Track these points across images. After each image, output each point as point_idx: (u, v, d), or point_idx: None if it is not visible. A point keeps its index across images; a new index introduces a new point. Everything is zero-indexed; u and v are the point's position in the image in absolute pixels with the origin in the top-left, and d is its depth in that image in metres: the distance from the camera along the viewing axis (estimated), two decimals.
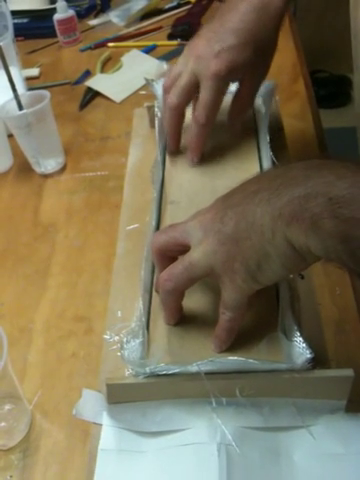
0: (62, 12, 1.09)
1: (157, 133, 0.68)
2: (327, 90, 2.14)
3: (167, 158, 0.68)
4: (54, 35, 1.11)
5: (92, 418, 0.49)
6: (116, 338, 0.54)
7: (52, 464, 0.47)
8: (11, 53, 0.83)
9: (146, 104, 0.78)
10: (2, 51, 0.70)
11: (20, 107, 0.73)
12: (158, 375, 0.46)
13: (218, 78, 0.58)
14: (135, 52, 1.05)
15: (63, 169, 0.79)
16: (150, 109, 0.76)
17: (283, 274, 0.42)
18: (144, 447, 0.46)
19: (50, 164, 0.77)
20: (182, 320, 0.50)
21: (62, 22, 1.09)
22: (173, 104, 0.62)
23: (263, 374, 0.45)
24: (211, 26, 0.60)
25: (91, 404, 0.50)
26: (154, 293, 0.53)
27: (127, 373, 0.50)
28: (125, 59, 1.03)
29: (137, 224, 0.65)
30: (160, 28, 1.13)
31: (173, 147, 0.67)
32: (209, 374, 0.45)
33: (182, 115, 0.64)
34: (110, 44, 1.09)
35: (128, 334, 0.50)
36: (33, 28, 1.16)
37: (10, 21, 0.85)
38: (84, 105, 0.92)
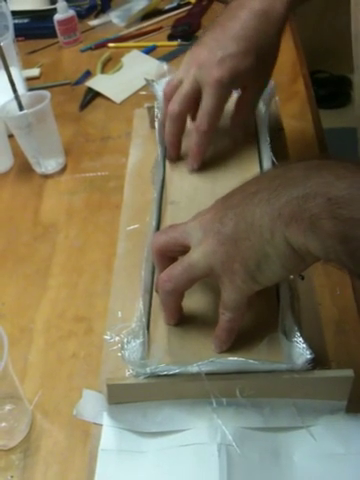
0: (62, 12, 1.09)
1: (157, 134, 0.68)
2: (327, 90, 2.14)
3: (167, 161, 0.68)
4: (54, 35, 1.11)
5: (92, 418, 0.49)
6: (116, 338, 0.54)
7: (53, 464, 0.47)
8: (11, 53, 0.83)
9: (146, 105, 0.78)
10: (3, 51, 0.71)
11: (20, 107, 0.73)
12: (158, 375, 0.46)
13: (220, 85, 0.58)
14: (135, 52, 1.05)
15: (63, 169, 0.79)
16: (150, 110, 0.76)
17: (282, 275, 0.42)
18: (145, 447, 0.47)
19: (50, 164, 0.78)
20: (182, 320, 0.50)
21: (62, 22, 1.09)
22: (175, 112, 0.62)
23: (263, 374, 0.45)
24: (212, 34, 0.60)
25: (91, 404, 0.50)
26: (154, 293, 0.53)
27: (127, 373, 0.50)
28: (125, 59, 1.03)
29: (137, 224, 0.65)
30: (160, 29, 1.13)
31: (173, 155, 0.66)
32: (209, 374, 0.45)
33: (183, 123, 0.63)
34: (110, 44, 1.09)
35: (128, 334, 0.50)
36: (33, 28, 1.16)
37: (10, 21, 0.85)
38: (84, 105, 0.92)
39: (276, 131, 0.72)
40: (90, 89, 0.95)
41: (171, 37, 1.09)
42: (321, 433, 0.46)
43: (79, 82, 0.99)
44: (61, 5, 1.08)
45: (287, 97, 0.83)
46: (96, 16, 1.21)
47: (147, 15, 1.18)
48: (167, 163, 0.67)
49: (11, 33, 0.84)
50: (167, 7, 1.19)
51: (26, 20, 1.17)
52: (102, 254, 0.64)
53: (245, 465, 0.44)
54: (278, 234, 0.39)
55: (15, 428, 0.49)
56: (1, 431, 0.49)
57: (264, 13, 0.58)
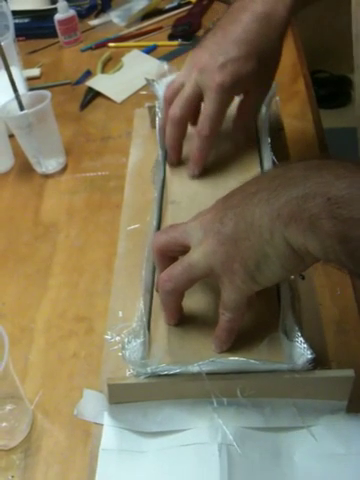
0: (63, 12, 1.09)
1: (158, 137, 0.67)
2: (327, 90, 2.14)
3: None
4: (55, 35, 1.11)
5: (93, 418, 0.49)
6: (117, 338, 0.54)
7: (53, 464, 0.47)
8: (12, 53, 0.83)
9: (147, 104, 0.78)
10: (3, 51, 0.70)
11: (21, 107, 0.73)
12: (159, 375, 0.46)
13: (223, 90, 0.58)
14: (136, 52, 1.05)
15: (64, 169, 0.79)
16: (151, 109, 0.76)
17: (282, 275, 0.42)
18: (145, 447, 0.47)
19: (51, 164, 0.78)
20: (183, 320, 0.50)
21: (63, 22, 1.09)
22: (176, 116, 0.61)
23: (264, 374, 0.45)
24: (214, 37, 0.59)
25: (92, 404, 0.50)
26: (155, 293, 0.53)
27: (128, 373, 0.50)
28: (126, 59, 1.03)
29: (138, 224, 0.65)
30: (161, 28, 1.13)
31: (174, 159, 0.66)
32: (210, 374, 0.45)
33: (184, 127, 0.63)
34: (111, 44, 1.09)
35: (129, 334, 0.50)
36: (34, 28, 1.16)
37: (11, 21, 0.85)
38: (85, 105, 0.92)
39: (276, 131, 0.72)
40: (90, 89, 0.95)
41: (171, 37, 1.09)
42: (322, 433, 0.46)
43: (79, 82, 0.99)
44: (61, 5, 1.08)
45: (287, 97, 0.83)
46: (96, 16, 1.21)
47: (147, 15, 1.18)
48: (168, 166, 0.67)
49: (12, 33, 0.84)
50: (167, 7, 1.19)
51: (27, 20, 1.17)
52: (103, 254, 0.64)
53: (246, 465, 0.44)
54: (277, 234, 0.39)
55: (16, 428, 0.49)
56: (2, 431, 0.49)
57: (266, 16, 0.57)
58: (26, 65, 0.99)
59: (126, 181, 0.72)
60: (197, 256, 0.44)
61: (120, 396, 0.48)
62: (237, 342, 0.47)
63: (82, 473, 0.46)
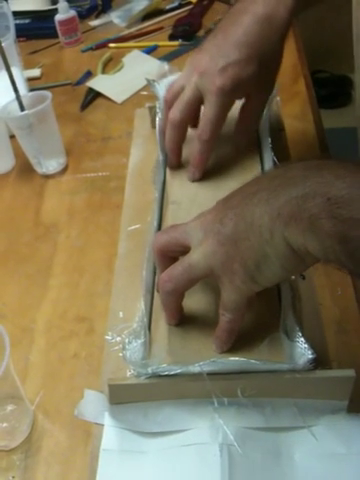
0: (63, 13, 1.09)
1: (158, 140, 0.67)
2: (328, 90, 2.14)
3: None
4: (55, 36, 1.11)
5: (94, 418, 0.49)
6: (118, 339, 0.54)
7: (54, 464, 0.47)
8: (13, 54, 0.83)
9: (147, 105, 0.78)
10: (4, 51, 0.71)
11: (22, 108, 0.73)
12: (160, 376, 0.46)
13: (223, 93, 0.57)
14: (136, 53, 1.05)
15: (64, 170, 0.79)
16: (151, 110, 0.76)
17: (282, 275, 0.42)
18: (146, 447, 0.47)
19: (51, 165, 0.78)
20: (184, 320, 0.50)
21: (63, 23, 1.09)
22: (176, 120, 0.61)
23: (265, 374, 0.45)
24: (214, 40, 0.59)
25: (93, 404, 0.50)
26: (156, 293, 0.53)
27: (129, 374, 0.50)
28: (126, 60, 1.03)
29: (138, 224, 0.65)
30: (161, 29, 1.13)
31: (174, 163, 0.66)
32: (211, 374, 0.45)
33: (184, 130, 0.63)
34: (111, 45, 1.10)
35: (130, 335, 0.50)
36: (35, 29, 1.16)
37: (12, 22, 0.85)
38: (85, 106, 0.92)
39: (277, 131, 0.72)
40: (91, 89, 0.95)
41: (172, 37, 1.09)
42: (322, 433, 0.46)
43: (80, 82, 0.99)
44: (62, 5, 1.08)
45: (288, 97, 0.83)
46: (97, 16, 1.22)
47: (148, 15, 1.18)
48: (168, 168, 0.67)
49: (12, 33, 0.84)
50: (168, 7, 1.20)
51: (27, 20, 1.18)
52: (103, 254, 0.64)
53: (246, 465, 0.44)
54: (277, 234, 0.39)
55: (16, 428, 0.49)
56: (2, 431, 0.49)
57: (267, 19, 0.56)
58: (27, 66, 0.99)
59: (127, 181, 0.72)
60: (197, 256, 0.44)
61: (121, 396, 0.48)
62: (238, 342, 0.47)
63: (83, 473, 0.46)
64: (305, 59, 0.95)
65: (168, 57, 1.00)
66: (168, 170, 0.66)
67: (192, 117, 0.62)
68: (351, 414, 0.46)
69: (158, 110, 0.69)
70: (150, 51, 1.05)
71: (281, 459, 0.45)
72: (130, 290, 0.58)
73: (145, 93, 0.91)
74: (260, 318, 0.49)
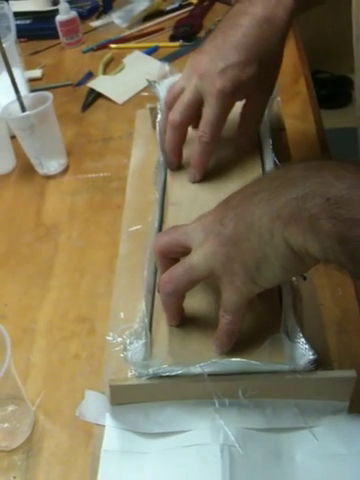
0: (64, 13, 1.09)
1: (158, 141, 0.67)
2: (328, 90, 2.13)
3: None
4: (56, 36, 1.11)
5: (95, 419, 0.49)
6: (119, 339, 0.54)
7: (55, 465, 0.47)
8: (14, 54, 0.83)
9: (148, 105, 0.78)
10: (5, 52, 0.71)
11: (23, 108, 0.73)
12: (161, 376, 0.46)
13: (223, 95, 0.57)
14: (137, 53, 1.05)
15: (65, 170, 0.79)
16: (152, 110, 0.76)
17: (282, 276, 0.42)
18: (147, 448, 0.47)
19: (52, 165, 0.78)
20: (185, 321, 0.50)
21: (64, 23, 1.09)
22: (175, 122, 0.61)
23: (266, 375, 0.45)
24: (214, 42, 0.59)
25: (94, 405, 0.50)
26: (157, 294, 0.53)
27: (130, 374, 0.50)
28: (127, 60, 1.03)
29: (140, 225, 0.65)
30: (162, 29, 1.13)
31: (175, 164, 0.65)
32: (212, 375, 0.45)
33: (184, 132, 0.62)
34: (112, 45, 1.10)
35: (131, 335, 0.50)
36: (36, 29, 1.16)
37: (13, 22, 0.85)
38: (86, 106, 0.92)
39: (278, 132, 0.72)
40: (92, 90, 0.95)
41: (173, 38, 1.09)
42: (323, 433, 0.46)
43: (81, 83, 0.99)
44: (63, 6, 1.08)
45: (289, 97, 0.83)
46: (98, 17, 1.22)
47: (149, 16, 1.18)
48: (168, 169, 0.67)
49: (13, 34, 0.84)
50: (169, 8, 1.20)
51: (28, 21, 1.18)
52: (104, 255, 0.64)
53: (247, 466, 0.44)
54: (277, 235, 0.39)
55: (17, 429, 0.49)
56: (3, 432, 0.49)
57: (267, 20, 0.56)
58: (28, 66, 0.99)
59: (127, 182, 0.73)
60: (198, 258, 0.44)
61: (122, 397, 0.48)
62: (239, 343, 0.47)
63: (84, 474, 0.46)
64: (306, 59, 0.95)
65: (169, 58, 1.00)
66: (169, 171, 0.66)
67: (192, 119, 0.62)
68: (352, 415, 0.46)
69: (159, 111, 0.69)
70: (151, 52, 1.05)
71: (282, 460, 0.45)
72: (131, 291, 0.58)
73: (146, 94, 0.91)
74: (261, 319, 0.49)
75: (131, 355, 0.48)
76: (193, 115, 0.61)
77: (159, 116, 0.68)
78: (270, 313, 0.49)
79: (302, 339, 0.46)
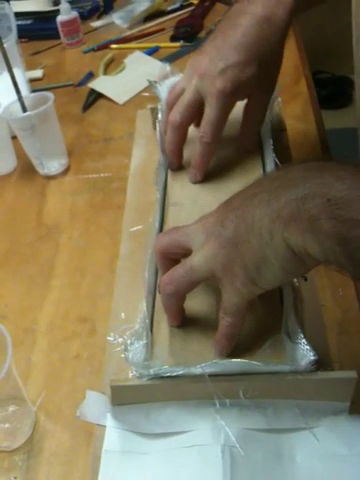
0: (65, 14, 1.09)
1: (159, 142, 0.67)
2: (328, 91, 2.13)
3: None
4: (57, 37, 1.12)
5: (96, 420, 0.49)
6: (120, 340, 0.54)
7: (56, 465, 0.47)
8: (15, 55, 0.83)
9: (149, 106, 0.78)
10: (6, 53, 0.71)
11: (24, 109, 0.73)
12: (162, 377, 0.46)
13: (224, 95, 0.57)
14: (138, 54, 1.05)
15: (66, 170, 0.79)
16: (153, 111, 0.76)
17: (283, 278, 0.42)
18: (148, 449, 0.47)
19: (53, 165, 0.78)
20: (186, 322, 0.50)
21: (65, 24, 1.09)
22: (176, 122, 0.61)
23: (267, 376, 0.45)
24: (214, 42, 0.59)
25: (95, 406, 0.50)
26: (158, 294, 0.53)
27: (131, 375, 0.50)
28: (128, 61, 1.03)
29: (140, 225, 0.65)
30: (163, 30, 1.13)
31: (175, 164, 0.65)
32: (213, 376, 0.45)
33: (185, 133, 0.62)
34: (113, 46, 1.10)
35: (132, 336, 0.50)
36: (37, 30, 1.16)
37: (14, 23, 0.85)
38: (87, 107, 0.92)
39: (279, 132, 0.72)
40: (93, 90, 0.95)
41: (174, 38, 1.09)
42: (324, 434, 0.46)
43: (82, 83, 0.99)
44: (64, 6, 1.08)
45: (289, 98, 0.83)
46: (99, 17, 1.22)
47: (150, 16, 1.18)
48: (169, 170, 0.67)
49: (14, 34, 0.84)
50: (170, 8, 1.20)
51: (29, 21, 1.18)
52: (105, 255, 0.64)
53: (248, 466, 0.44)
54: (277, 235, 0.39)
55: (18, 429, 0.49)
56: (4, 432, 0.49)
57: (266, 20, 0.56)
58: (29, 66, 0.99)
59: (128, 182, 0.73)
60: (198, 259, 0.44)
61: (123, 398, 0.48)
62: (240, 344, 0.47)
63: (84, 474, 0.46)
64: (306, 60, 0.95)
65: (170, 58, 1.00)
66: (169, 171, 0.66)
67: (193, 119, 0.62)
68: (353, 415, 0.46)
69: (159, 111, 0.69)
70: (152, 52, 1.05)
71: (283, 460, 0.45)
72: (132, 291, 0.58)
73: (147, 94, 0.91)
74: (262, 319, 0.49)
75: (132, 355, 0.48)
76: (193, 115, 0.61)
77: (160, 116, 0.68)
78: (271, 314, 0.49)
79: (303, 340, 0.46)
